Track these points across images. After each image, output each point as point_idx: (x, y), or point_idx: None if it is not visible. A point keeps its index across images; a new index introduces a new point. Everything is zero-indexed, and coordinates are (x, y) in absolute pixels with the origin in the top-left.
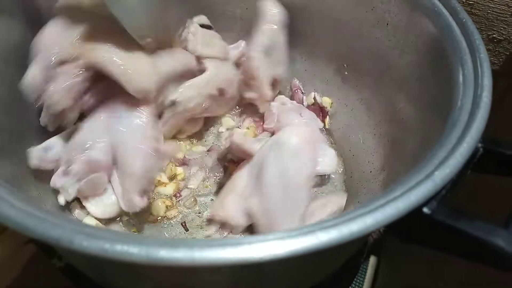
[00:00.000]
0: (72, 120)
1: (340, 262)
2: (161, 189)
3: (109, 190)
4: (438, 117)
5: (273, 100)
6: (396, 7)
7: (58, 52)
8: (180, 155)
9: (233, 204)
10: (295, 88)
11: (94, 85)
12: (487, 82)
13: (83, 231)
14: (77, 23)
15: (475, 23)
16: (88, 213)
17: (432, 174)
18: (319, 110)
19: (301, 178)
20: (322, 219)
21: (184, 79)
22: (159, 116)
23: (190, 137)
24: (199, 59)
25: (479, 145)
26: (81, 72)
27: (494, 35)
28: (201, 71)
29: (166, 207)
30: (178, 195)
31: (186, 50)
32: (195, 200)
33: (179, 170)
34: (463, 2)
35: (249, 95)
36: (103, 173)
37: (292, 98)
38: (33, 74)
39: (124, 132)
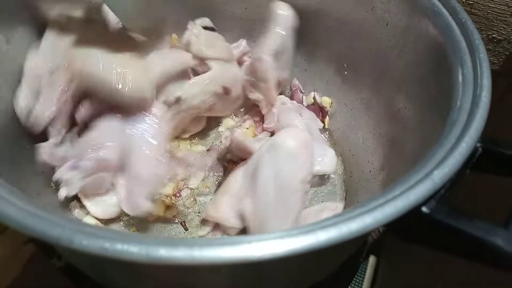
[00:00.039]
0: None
1: (339, 262)
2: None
3: (110, 191)
4: (437, 117)
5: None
6: (395, 7)
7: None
8: (180, 155)
9: (227, 205)
10: (295, 88)
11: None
12: (486, 82)
13: (83, 230)
14: (63, 42)
15: (475, 23)
16: (88, 213)
17: (431, 174)
18: (319, 110)
19: (296, 182)
20: None
21: (186, 78)
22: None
23: (190, 136)
24: (203, 60)
25: (478, 144)
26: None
27: (494, 35)
28: (206, 71)
29: (166, 206)
30: (177, 194)
31: (190, 52)
32: (195, 200)
33: (179, 169)
34: (463, 2)
35: (255, 96)
36: (109, 174)
37: (292, 98)
38: (23, 96)
39: (136, 137)
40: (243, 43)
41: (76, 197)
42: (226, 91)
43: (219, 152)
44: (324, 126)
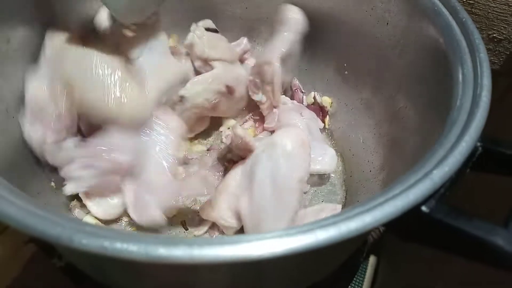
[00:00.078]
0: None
1: (339, 261)
2: None
3: (112, 193)
4: (437, 117)
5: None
6: (396, 7)
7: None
8: (180, 154)
9: (224, 204)
10: (295, 88)
11: None
12: (486, 81)
13: (83, 229)
14: (61, 64)
15: (475, 23)
16: (88, 212)
17: (430, 173)
18: (319, 110)
19: (293, 181)
20: None
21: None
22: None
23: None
24: (207, 61)
25: (478, 144)
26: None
27: (494, 35)
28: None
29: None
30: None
31: (193, 53)
32: (195, 200)
33: (179, 169)
34: (464, 1)
35: (258, 97)
36: (118, 177)
37: (292, 97)
38: (27, 133)
39: (150, 144)
40: (244, 41)
41: (76, 197)
42: (230, 90)
43: (219, 151)
44: (324, 125)
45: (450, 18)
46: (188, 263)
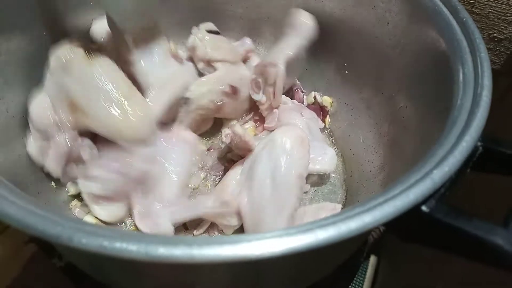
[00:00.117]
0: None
1: (339, 261)
2: None
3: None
4: (438, 116)
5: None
6: (396, 6)
7: (48, 125)
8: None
9: None
10: (296, 88)
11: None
12: (487, 81)
13: (83, 228)
14: (67, 86)
15: (476, 22)
16: (88, 212)
17: (431, 173)
18: (320, 110)
19: (292, 177)
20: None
21: None
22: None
23: None
24: (209, 63)
25: (479, 144)
26: (69, 140)
27: (495, 34)
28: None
29: None
30: None
31: (195, 56)
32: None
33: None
34: (464, 1)
35: (258, 97)
36: (134, 184)
37: (292, 97)
38: (32, 148)
39: (168, 158)
40: (246, 41)
41: (76, 197)
42: (234, 90)
43: (219, 151)
44: (324, 125)
45: (450, 17)
46: (187, 262)
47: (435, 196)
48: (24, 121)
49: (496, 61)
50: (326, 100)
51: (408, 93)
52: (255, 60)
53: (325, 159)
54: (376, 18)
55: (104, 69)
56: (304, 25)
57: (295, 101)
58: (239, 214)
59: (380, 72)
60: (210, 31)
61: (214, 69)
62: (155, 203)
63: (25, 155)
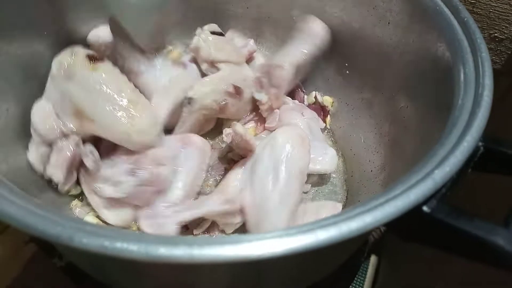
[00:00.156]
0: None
1: (340, 261)
2: None
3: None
4: (439, 116)
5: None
6: (397, 6)
7: (51, 131)
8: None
9: None
10: (296, 87)
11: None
12: (488, 81)
13: (84, 228)
14: (70, 93)
15: (477, 22)
16: (88, 212)
17: (432, 173)
18: (320, 109)
19: (293, 171)
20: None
21: None
22: None
23: None
24: (213, 63)
25: (480, 144)
26: (72, 146)
27: (496, 34)
28: None
29: None
30: None
31: (199, 56)
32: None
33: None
34: (465, 1)
35: (260, 96)
36: (153, 189)
37: (293, 97)
38: (33, 156)
39: (175, 161)
40: (250, 42)
41: (77, 197)
42: (238, 91)
43: (220, 151)
44: (325, 125)
45: (451, 17)
46: (188, 263)
47: (436, 196)
48: (24, 121)
49: (497, 61)
50: (326, 100)
51: (409, 93)
52: (260, 59)
53: (326, 159)
54: (377, 18)
55: (107, 74)
56: (318, 34)
57: (296, 101)
58: (241, 212)
59: (381, 72)
60: (213, 32)
61: (218, 70)
62: (159, 205)
63: (25, 155)
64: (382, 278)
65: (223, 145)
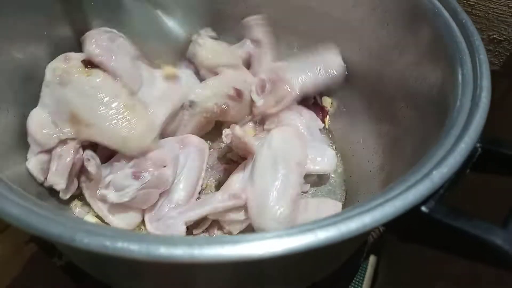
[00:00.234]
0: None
1: (340, 261)
2: None
3: None
4: (437, 117)
5: None
6: (396, 8)
7: (48, 138)
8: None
9: None
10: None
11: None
12: (486, 83)
13: (84, 228)
14: (66, 100)
15: (476, 24)
16: (88, 212)
17: (430, 173)
18: (319, 110)
19: (292, 162)
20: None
21: None
22: None
23: None
24: (212, 68)
25: (478, 145)
26: (72, 152)
27: (494, 36)
28: None
29: None
30: None
31: (197, 62)
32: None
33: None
34: (464, 2)
35: (257, 99)
36: (158, 191)
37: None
38: (32, 164)
39: (175, 162)
40: (246, 43)
41: (77, 197)
42: (239, 93)
43: (219, 151)
44: (324, 126)
45: (450, 19)
46: (188, 262)
47: (434, 196)
48: (24, 121)
49: (496, 62)
50: (325, 100)
51: (407, 94)
52: (268, 57)
53: (325, 159)
54: (376, 19)
55: (102, 79)
56: (333, 66)
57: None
58: (246, 208)
59: (380, 72)
60: (210, 37)
61: (217, 74)
62: (165, 206)
63: (25, 155)
64: (381, 278)
65: (222, 145)
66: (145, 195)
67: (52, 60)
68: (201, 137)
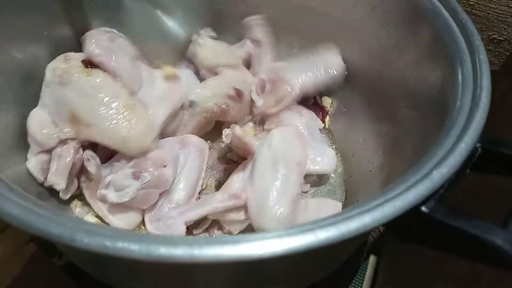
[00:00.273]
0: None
1: (340, 261)
2: None
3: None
4: (437, 117)
5: None
6: (396, 8)
7: (48, 138)
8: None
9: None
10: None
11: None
12: (486, 83)
13: (84, 228)
14: (65, 100)
15: (476, 24)
16: (88, 212)
17: (430, 174)
18: (319, 110)
19: (291, 162)
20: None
21: None
22: None
23: None
24: (212, 68)
25: (478, 145)
26: (72, 152)
27: (494, 36)
28: None
29: None
30: None
31: (197, 62)
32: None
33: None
34: (464, 2)
35: (256, 99)
36: (158, 191)
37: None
38: (32, 164)
39: (175, 162)
40: (246, 43)
41: (77, 197)
42: (239, 93)
43: (219, 151)
44: (324, 126)
45: (450, 19)
46: (188, 262)
47: (434, 196)
48: (24, 121)
49: (496, 62)
50: (325, 100)
51: (407, 94)
52: (268, 57)
53: (325, 159)
54: (376, 19)
55: (102, 79)
56: (333, 69)
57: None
58: (246, 208)
59: (380, 72)
60: (209, 37)
61: (217, 74)
62: (165, 206)
63: (25, 155)
64: (381, 278)
65: (222, 145)
66: (145, 195)
67: (52, 60)
68: (201, 137)
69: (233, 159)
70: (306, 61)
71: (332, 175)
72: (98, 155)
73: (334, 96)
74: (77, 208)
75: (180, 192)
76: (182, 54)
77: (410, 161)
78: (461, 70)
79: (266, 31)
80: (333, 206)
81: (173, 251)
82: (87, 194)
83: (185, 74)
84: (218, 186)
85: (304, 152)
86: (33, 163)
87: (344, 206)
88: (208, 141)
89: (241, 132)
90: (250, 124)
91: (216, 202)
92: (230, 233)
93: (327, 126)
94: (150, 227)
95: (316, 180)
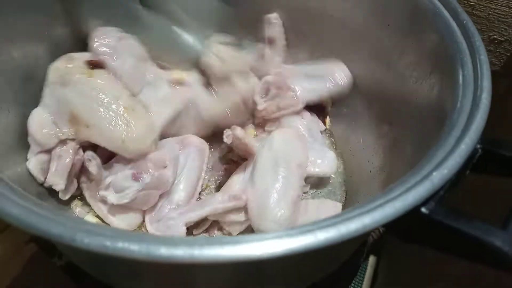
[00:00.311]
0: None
1: (339, 261)
2: None
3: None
4: (437, 118)
5: None
6: (396, 8)
7: (49, 139)
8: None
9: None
10: None
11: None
12: (486, 84)
13: (85, 228)
14: (66, 99)
15: (476, 24)
16: (88, 212)
17: (430, 175)
18: (320, 111)
19: (292, 164)
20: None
21: None
22: None
23: None
24: (224, 76)
25: (478, 146)
26: (71, 153)
27: (495, 36)
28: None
29: None
30: None
31: (211, 71)
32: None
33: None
34: (464, 3)
35: (260, 103)
36: (158, 192)
37: None
38: (32, 164)
39: (175, 163)
40: (256, 47)
41: (77, 197)
42: (245, 101)
43: (220, 151)
44: (325, 127)
45: (450, 20)
46: (188, 263)
47: (434, 197)
48: (25, 121)
49: (496, 63)
50: (326, 101)
51: (407, 94)
52: (279, 58)
53: (325, 162)
54: (376, 20)
55: (103, 81)
56: (340, 83)
57: None
58: (246, 209)
59: (380, 73)
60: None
61: (227, 81)
62: (165, 207)
63: (24, 155)
64: (381, 279)
65: (223, 145)
66: (145, 196)
67: (52, 60)
68: (201, 137)
69: (234, 159)
70: (314, 72)
71: (332, 176)
72: (99, 156)
73: None
74: (77, 208)
75: (180, 192)
76: (195, 63)
77: (410, 162)
78: (461, 71)
79: (282, 32)
80: (333, 207)
81: (174, 251)
82: (87, 194)
83: (193, 78)
84: (219, 187)
85: (305, 154)
86: (33, 163)
87: (344, 207)
88: (208, 140)
89: (242, 133)
90: (251, 125)
91: (216, 203)
92: (230, 234)
93: (327, 127)
94: (150, 228)
95: (316, 181)
